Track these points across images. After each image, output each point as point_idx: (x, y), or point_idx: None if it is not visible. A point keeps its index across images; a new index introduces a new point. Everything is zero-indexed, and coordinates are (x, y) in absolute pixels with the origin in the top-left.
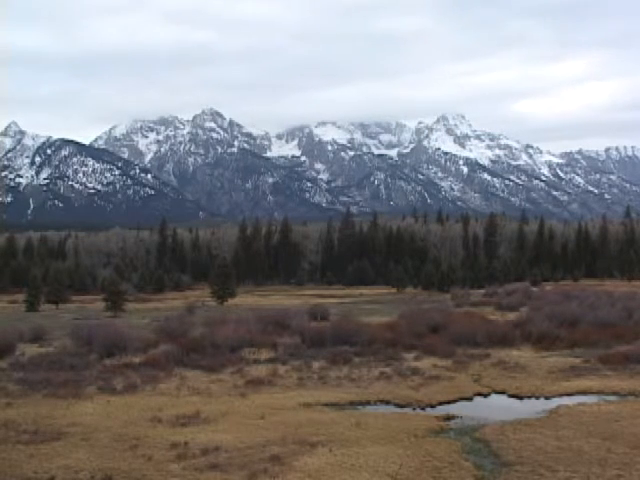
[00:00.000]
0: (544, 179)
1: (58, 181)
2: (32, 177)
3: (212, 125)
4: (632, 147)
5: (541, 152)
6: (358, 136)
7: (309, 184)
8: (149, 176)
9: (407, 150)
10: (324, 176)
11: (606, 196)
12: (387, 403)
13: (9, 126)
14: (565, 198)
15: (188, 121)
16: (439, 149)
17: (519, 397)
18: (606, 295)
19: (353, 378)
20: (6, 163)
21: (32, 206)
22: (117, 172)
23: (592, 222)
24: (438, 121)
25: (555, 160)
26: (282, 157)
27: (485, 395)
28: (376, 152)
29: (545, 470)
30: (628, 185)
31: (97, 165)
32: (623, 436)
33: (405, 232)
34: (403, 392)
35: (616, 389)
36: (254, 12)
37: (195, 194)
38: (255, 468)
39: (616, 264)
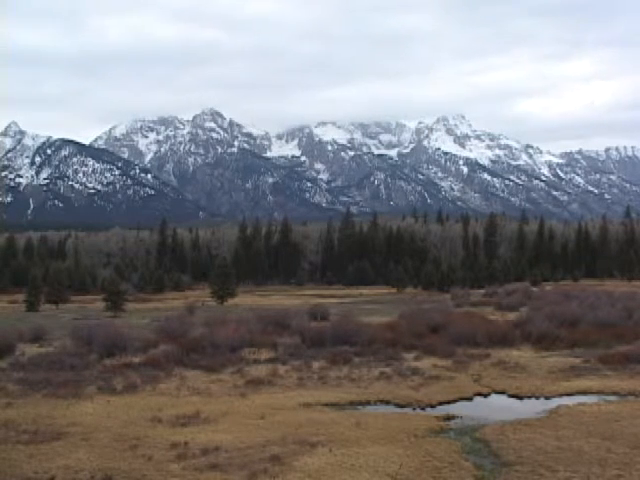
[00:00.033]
0: (544, 179)
1: (58, 181)
2: (32, 177)
3: (212, 125)
4: (632, 147)
5: (541, 152)
6: (358, 136)
7: (309, 184)
8: (149, 176)
9: (407, 150)
10: (324, 176)
11: (606, 196)
12: (387, 403)
13: (9, 126)
14: (565, 198)
15: (188, 121)
16: (439, 149)
17: (519, 397)
18: (606, 295)
19: (353, 378)
20: (6, 163)
21: (32, 206)
22: (117, 172)
23: (592, 222)
24: (438, 121)
25: (555, 160)
26: (282, 157)
27: (485, 395)
28: (376, 152)
29: (545, 470)
30: (628, 185)
31: (97, 165)
32: (623, 436)
33: (405, 232)
34: (403, 392)
35: (616, 389)
36: (262, 10)
37: (195, 194)
38: (255, 468)
39: (616, 264)
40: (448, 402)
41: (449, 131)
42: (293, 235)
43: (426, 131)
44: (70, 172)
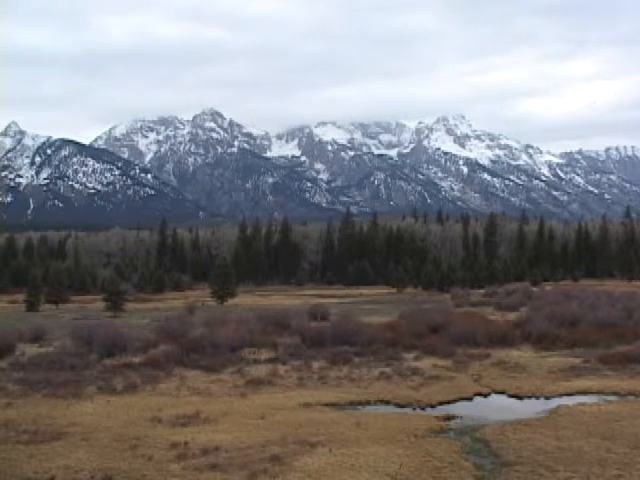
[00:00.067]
0: (544, 179)
1: (58, 181)
2: (32, 177)
3: (212, 125)
4: (632, 147)
5: (541, 152)
6: (358, 136)
7: (309, 184)
8: (149, 176)
9: (407, 150)
10: (324, 176)
11: (606, 196)
12: (387, 403)
13: (9, 126)
14: (565, 198)
15: (188, 121)
16: (439, 149)
17: (519, 397)
18: (606, 295)
19: (353, 378)
20: (6, 163)
21: (32, 206)
22: (117, 172)
23: (592, 222)
24: (438, 121)
25: (555, 160)
26: (282, 157)
27: (485, 395)
28: (376, 152)
29: (545, 470)
30: (628, 185)
31: (97, 165)
32: (623, 436)
33: (405, 232)
34: (403, 392)
35: (616, 389)
36: (265, 9)
37: (195, 194)
38: (255, 468)
39: (616, 264)
40: (448, 402)
41: (449, 131)
42: (293, 235)
43: (426, 131)
44: (70, 172)
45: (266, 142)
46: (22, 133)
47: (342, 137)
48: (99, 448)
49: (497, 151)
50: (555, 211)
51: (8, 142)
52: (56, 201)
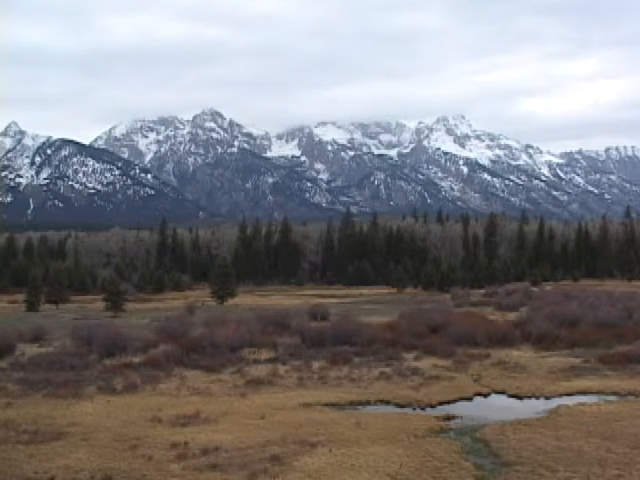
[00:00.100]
0: (544, 179)
1: (58, 181)
2: (32, 177)
3: (212, 125)
4: (632, 147)
5: (541, 152)
6: (358, 136)
7: (309, 184)
8: (149, 176)
9: (407, 150)
10: (324, 176)
11: (606, 196)
12: (387, 403)
13: (9, 126)
14: (565, 198)
15: (188, 121)
16: (439, 149)
17: (519, 397)
18: (606, 295)
19: (353, 378)
20: (6, 163)
21: (32, 206)
22: (117, 172)
23: (592, 222)
24: (438, 121)
25: (555, 160)
26: (282, 157)
27: (485, 395)
28: (376, 152)
29: (545, 470)
30: (628, 185)
31: (97, 165)
32: (623, 436)
33: (405, 232)
34: (403, 392)
35: (616, 389)
36: (267, 8)
37: (195, 194)
38: (255, 468)
39: (616, 264)
40: (448, 402)
41: (449, 131)
42: (293, 235)
43: (426, 131)
44: (70, 172)
45: (266, 142)
46: (22, 133)
47: (342, 137)
48: (99, 448)
49: (497, 151)
50: (555, 211)
51: (8, 142)
52: (56, 201)
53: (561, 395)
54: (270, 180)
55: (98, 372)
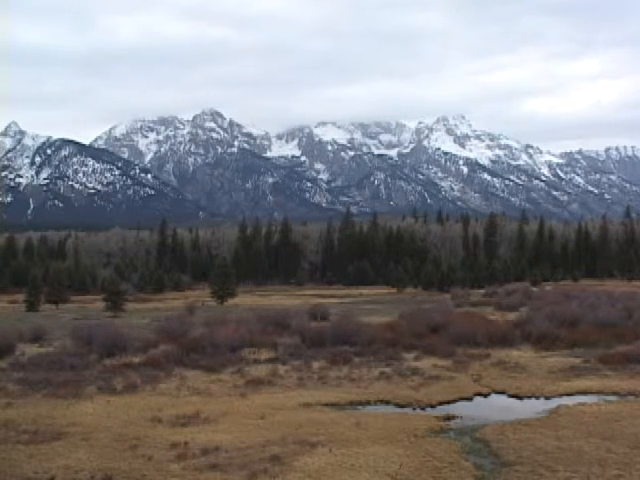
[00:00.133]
0: (544, 179)
1: (58, 181)
2: (32, 177)
3: (212, 125)
4: (632, 147)
5: (541, 152)
6: (358, 136)
7: (309, 184)
8: (149, 176)
9: (407, 150)
10: (324, 176)
11: (606, 196)
12: (387, 403)
13: (9, 126)
14: (565, 198)
15: (188, 121)
16: (439, 149)
17: (519, 397)
18: (606, 295)
19: (353, 378)
20: (6, 163)
21: (32, 206)
22: (117, 172)
23: (592, 222)
24: (438, 121)
25: (555, 160)
26: (282, 157)
27: (485, 395)
28: (376, 152)
29: (545, 470)
30: (628, 185)
31: (97, 165)
32: (623, 436)
33: (405, 232)
34: (403, 392)
35: (616, 389)
36: (271, 7)
37: (195, 194)
38: (255, 468)
39: (616, 264)
40: (448, 402)
41: (449, 131)
42: (293, 235)
43: (426, 131)
44: (70, 172)
45: (266, 142)
46: (22, 133)
47: (342, 137)
48: (99, 448)
49: (497, 151)
50: (555, 211)
51: (8, 142)
52: (56, 201)
53: (561, 395)
54: (270, 180)
55: (98, 372)
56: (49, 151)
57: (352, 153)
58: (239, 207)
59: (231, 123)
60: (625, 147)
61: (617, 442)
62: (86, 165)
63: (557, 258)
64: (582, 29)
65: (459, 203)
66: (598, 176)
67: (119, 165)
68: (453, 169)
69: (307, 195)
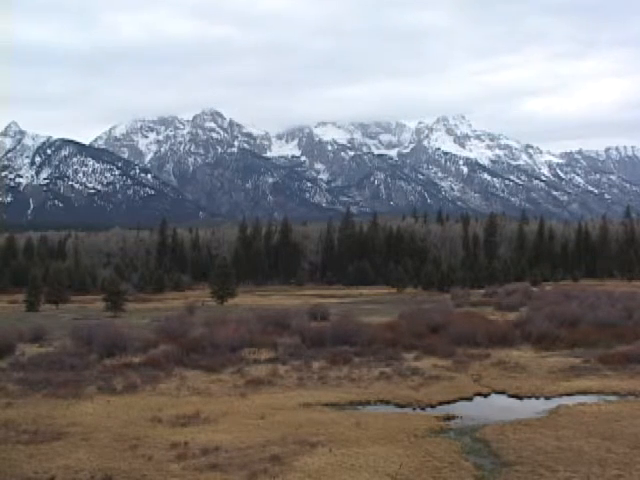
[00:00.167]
0: (544, 179)
1: (58, 181)
2: (32, 177)
3: (212, 125)
4: (632, 147)
5: (541, 152)
6: (358, 136)
7: (309, 184)
8: (149, 176)
9: (407, 150)
10: (324, 176)
11: (606, 196)
12: (387, 403)
13: (9, 126)
14: (565, 198)
15: (188, 121)
16: (439, 149)
17: (519, 397)
18: (606, 295)
19: (353, 378)
20: (6, 163)
21: (32, 206)
22: (117, 172)
23: (592, 222)
24: (438, 121)
25: (555, 160)
26: (282, 157)
27: (485, 395)
28: (376, 152)
29: (545, 470)
30: (628, 185)
31: (97, 165)
32: (623, 436)
33: (405, 232)
34: (403, 392)
35: (616, 389)
36: (275, 6)
37: (195, 194)
38: (255, 468)
39: (616, 264)
40: (448, 402)
41: (449, 131)
42: (293, 235)
43: (426, 131)
44: (70, 172)
45: (266, 142)
46: (22, 133)
47: (342, 137)
48: (99, 448)
49: (497, 151)
50: (555, 211)
51: (8, 142)
52: (56, 201)
53: (561, 395)
54: (270, 180)
55: (98, 372)
56: (49, 151)
57: (352, 153)
58: (239, 207)
59: (231, 123)
60: (625, 147)
61: (617, 442)
62: (86, 165)
63: (557, 258)
64: (585, 29)
65: (459, 203)
66: (598, 176)
67: (119, 165)
68: (453, 169)
69: (307, 195)
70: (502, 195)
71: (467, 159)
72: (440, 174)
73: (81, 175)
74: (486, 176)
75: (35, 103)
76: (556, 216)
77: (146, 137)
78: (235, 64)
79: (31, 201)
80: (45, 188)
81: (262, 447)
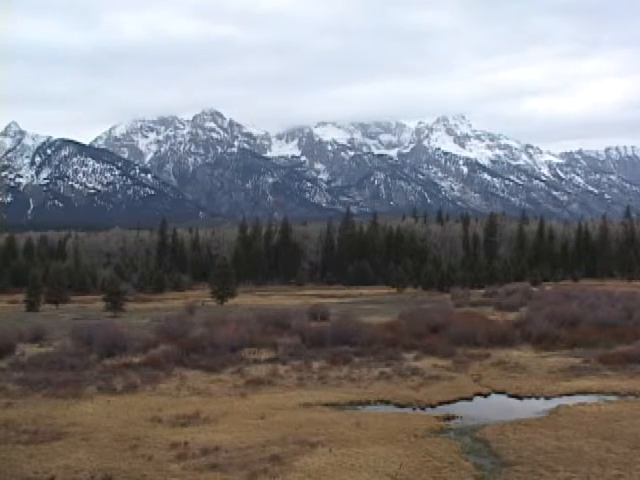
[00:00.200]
0: (544, 179)
1: (58, 181)
2: (32, 177)
3: (212, 125)
4: (632, 147)
5: (541, 152)
6: (358, 136)
7: (309, 184)
8: (149, 176)
9: (407, 150)
10: (324, 176)
11: (606, 196)
12: (387, 403)
13: (9, 126)
14: (565, 198)
15: (188, 121)
16: (439, 149)
17: (519, 397)
18: (606, 295)
19: (353, 378)
20: (6, 163)
21: (32, 206)
22: (117, 172)
23: (592, 222)
24: (438, 121)
25: (555, 160)
26: (282, 157)
27: (485, 395)
28: (376, 152)
29: (545, 470)
30: (628, 185)
31: (97, 165)
32: (623, 436)
33: (405, 232)
34: (403, 392)
35: (616, 389)
36: (282, 5)
37: (195, 194)
38: (255, 468)
39: (616, 264)
40: (448, 402)
41: (449, 131)
42: (293, 235)
43: (426, 131)
44: (70, 172)
45: (266, 142)
46: (22, 133)
47: (342, 137)
48: (99, 448)
49: (497, 151)
50: (555, 211)
51: (8, 142)
52: (56, 201)
53: (561, 395)
54: (270, 180)
55: (98, 372)
56: (49, 151)
57: (352, 153)
58: (239, 207)
59: (231, 123)
60: (625, 147)
61: (617, 442)
62: (86, 165)
63: (557, 258)
64: (589, 29)
65: (459, 203)
66: (598, 176)
67: (119, 165)
68: (453, 169)
69: (307, 195)
70: (502, 195)
71: (467, 159)
72: (440, 174)
73: (81, 175)
74: (486, 176)
75: (35, 103)
76: (556, 216)
77: (146, 137)
78: (237, 64)
79: (31, 201)
80: (45, 188)
81: (262, 447)
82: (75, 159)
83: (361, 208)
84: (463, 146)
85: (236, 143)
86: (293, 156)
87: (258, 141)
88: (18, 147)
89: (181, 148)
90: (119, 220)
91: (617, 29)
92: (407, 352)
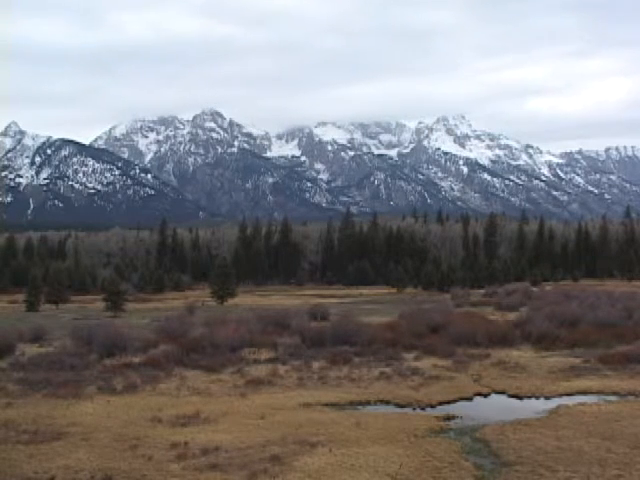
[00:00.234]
0: (544, 179)
1: (58, 181)
2: (32, 177)
3: (212, 125)
4: (632, 147)
5: (541, 152)
6: (358, 136)
7: (309, 184)
8: (149, 176)
9: (407, 150)
10: (324, 176)
11: (606, 196)
12: (387, 403)
13: (9, 126)
14: (565, 198)
15: (188, 121)
16: (439, 149)
17: (519, 397)
18: (606, 295)
19: (353, 378)
20: (6, 163)
21: (32, 206)
22: (117, 172)
23: (592, 222)
24: (438, 121)
25: (555, 160)
26: (282, 157)
27: (485, 395)
28: (376, 152)
29: (545, 470)
30: (628, 185)
31: (97, 165)
32: (623, 436)
33: (405, 232)
34: (403, 392)
35: (616, 389)
36: (285, 4)
37: (195, 194)
38: (255, 468)
39: (616, 264)
40: (448, 402)
41: (449, 131)
42: (293, 235)
43: (426, 131)
44: (70, 172)
45: (266, 142)
46: (22, 133)
47: (342, 137)
48: (99, 448)
49: (497, 151)
50: (555, 211)
51: (8, 142)
52: (56, 201)
53: (561, 395)
54: (270, 180)
55: (98, 372)
56: (49, 151)
57: (352, 153)
58: (239, 207)
59: (231, 123)
60: (625, 147)
61: (617, 442)
62: (86, 165)
63: (557, 258)
64: (593, 28)
65: (459, 203)
66: (598, 176)
67: (119, 165)
68: (453, 169)
69: (307, 195)
70: (502, 195)
71: (467, 159)
72: (440, 174)
73: (81, 175)
74: (486, 176)
75: (35, 103)
76: (556, 216)
77: (146, 137)
78: (241, 63)
79: (31, 201)
80: (45, 188)
81: (262, 447)
82: (75, 159)
83: (361, 208)
84: (463, 146)
85: (236, 143)
86: (293, 156)
87: (258, 141)
88: (18, 147)
89: (181, 148)
90: (119, 220)
91: (622, 28)
92: (407, 352)
